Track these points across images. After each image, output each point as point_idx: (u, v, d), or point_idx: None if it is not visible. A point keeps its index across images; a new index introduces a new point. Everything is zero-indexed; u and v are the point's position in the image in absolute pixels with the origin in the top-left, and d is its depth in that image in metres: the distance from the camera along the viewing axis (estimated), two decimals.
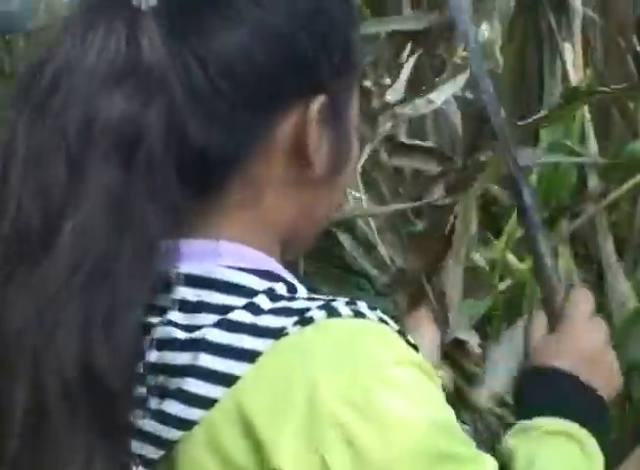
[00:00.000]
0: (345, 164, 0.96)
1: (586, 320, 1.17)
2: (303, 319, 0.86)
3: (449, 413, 0.89)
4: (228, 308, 0.87)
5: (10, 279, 0.85)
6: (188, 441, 0.88)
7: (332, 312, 0.86)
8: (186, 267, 0.89)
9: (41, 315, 0.84)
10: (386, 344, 0.88)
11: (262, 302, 0.87)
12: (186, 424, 0.87)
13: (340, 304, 0.87)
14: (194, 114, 0.88)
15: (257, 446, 0.84)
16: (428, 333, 1.38)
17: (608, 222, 2.16)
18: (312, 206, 0.97)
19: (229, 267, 0.89)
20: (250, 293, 0.88)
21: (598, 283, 2.17)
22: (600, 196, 2.13)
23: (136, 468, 0.90)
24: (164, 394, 0.88)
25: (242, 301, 0.87)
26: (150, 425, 0.88)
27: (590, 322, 1.17)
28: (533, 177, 2.20)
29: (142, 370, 0.88)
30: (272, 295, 0.88)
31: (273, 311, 0.87)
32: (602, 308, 2.14)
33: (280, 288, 0.89)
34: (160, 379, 0.88)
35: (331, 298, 0.90)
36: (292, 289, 0.90)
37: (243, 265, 0.89)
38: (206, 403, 0.86)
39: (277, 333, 0.86)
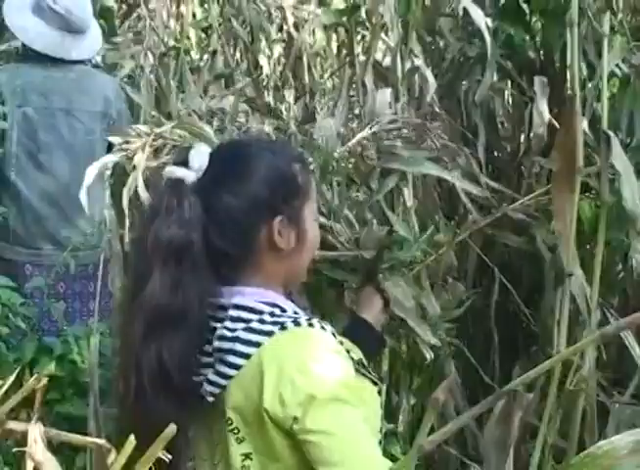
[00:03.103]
0: (305, 241, 1.87)
1: None
2: (283, 327, 1.76)
3: (351, 380, 1.75)
4: (250, 320, 1.77)
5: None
6: (230, 385, 1.76)
7: (297, 324, 1.77)
8: (235, 300, 1.80)
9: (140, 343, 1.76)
10: (321, 340, 1.78)
11: (266, 318, 1.77)
12: (227, 377, 1.76)
13: (302, 319, 1.77)
14: (217, 235, 1.79)
15: (259, 395, 1.72)
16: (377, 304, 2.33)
17: None
18: (294, 264, 1.89)
19: (255, 301, 1.79)
20: (261, 312, 1.78)
21: None
22: None
23: (207, 398, 1.79)
24: (221, 362, 1.76)
25: (257, 316, 1.77)
26: (213, 376, 1.77)
27: None
28: None
29: (211, 350, 1.78)
30: (272, 314, 1.78)
31: (271, 323, 1.76)
32: None
33: (276, 311, 1.79)
34: (219, 354, 1.76)
35: (299, 316, 1.80)
36: (283, 311, 1.79)
37: (262, 299, 1.80)
38: (236, 367, 1.75)
39: (270, 334, 1.75)
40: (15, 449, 1.63)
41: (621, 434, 1.44)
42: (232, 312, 1.78)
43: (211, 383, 1.77)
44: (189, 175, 1.83)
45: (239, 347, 1.75)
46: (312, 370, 1.71)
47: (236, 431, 1.78)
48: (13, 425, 1.59)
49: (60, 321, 3.03)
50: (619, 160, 2.07)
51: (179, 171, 1.83)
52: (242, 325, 1.76)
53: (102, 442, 1.60)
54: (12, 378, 1.67)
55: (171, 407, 1.73)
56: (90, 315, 2.97)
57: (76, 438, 1.67)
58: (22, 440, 1.58)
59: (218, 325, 1.78)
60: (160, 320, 1.75)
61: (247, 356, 1.74)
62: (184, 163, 1.84)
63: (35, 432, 1.56)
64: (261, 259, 1.84)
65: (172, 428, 1.48)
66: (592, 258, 2.23)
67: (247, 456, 1.77)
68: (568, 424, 2.13)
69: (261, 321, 1.76)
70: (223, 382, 1.76)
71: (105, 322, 2.79)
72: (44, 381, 1.68)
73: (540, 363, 1.56)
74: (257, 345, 1.74)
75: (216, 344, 1.77)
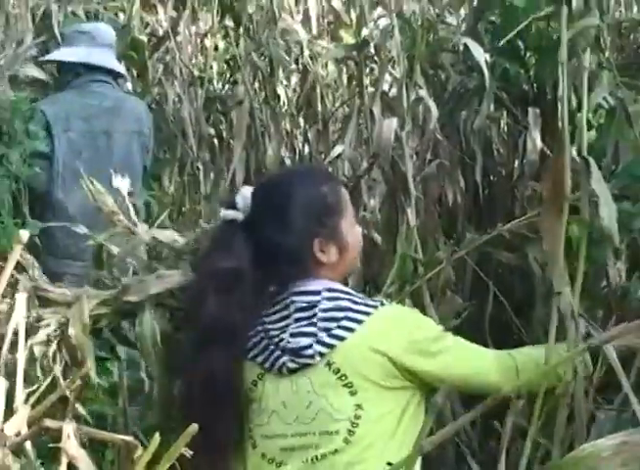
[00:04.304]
0: (347, 250, 2.05)
1: None
2: (382, 304, 2.02)
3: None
4: (351, 299, 1.99)
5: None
6: (342, 346, 1.94)
7: (390, 303, 2.09)
8: (327, 285, 2.02)
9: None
10: (408, 309, 2.22)
11: (365, 298, 2.03)
12: (341, 339, 1.94)
13: (387, 301, 2.08)
14: (267, 262, 2.00)
15: (385, 357, 1.94)
16: None
17: None
18: (342, 269, 2.09)
19: (338, 286, 2.06)
20: (353, 294, 2.02)
21: None
22: None
23: (315, 357, 1.98)
24: (329, 329, 1.95)
25: (355, 296, 2.01)
26: (327, 339, 1.94)
27: None
28: None
29: (315, 320, 1.96)
30: (364, 296, 2.05)
31: (372, 300, 2.04)
32: None
33: (361, 295, 2.06)
34: (326, 322, 1.95)
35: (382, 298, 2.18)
36: (362, 296, 2.07)
37: (341, 285, 2.07)
38: (351, 330, 1.94)
39: (375, 307, 1.99)
40: (50, 445, 1.64)
41: (604, 438, 1.45)
42: (327, 294, 2.00)
43: (323, 344, 1.95)
44: (238, 216, 2.06)
45: (352, 314, 1.97)
46: (425, 324, 2.09)
47: (350, 385, 1.93)
48: (49, 423, 1.61)
49: None
50: (598, 183, 2.08)
51: (230, 214, 2.07)
52: (346, 301, 2.00)
53: (129, 438, 1.63)
54: (48, 380, 1.69)
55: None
56: None
57: (106, 435, 1.68)
58: (57, 436, 1.60)
59: (317, 304, 1.99)
60: (214, 332, 1.99)
61: (359, 322, 1.96)
62: (232, 205, 2.08)
63: (69, 429, 1.58)
64: (313, 272, 2.04)
65: (194, 427, 1.49)
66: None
67: (359, 406, 1.92)
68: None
69: (362, 298, 2.03)
70: (336, 343, 1.95)
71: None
72: (77, 383, 1.70)
73: None
74: (367, 313, 1.98)
75: (323, 315, 1.98)
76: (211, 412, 1.94)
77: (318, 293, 2.00)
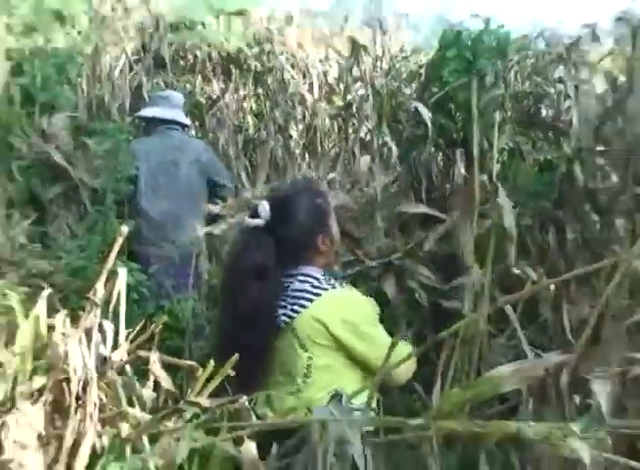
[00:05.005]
0: (334, 240, 2.01)
1: None
2: (334, 287, 1.93)
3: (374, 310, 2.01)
4: (312, 282, 1.93)
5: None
6: (298, 317, 1.91)
7: (341, 287, 1.96)
8: (302, 271, 1.95)
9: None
10: (355, 293, 1.97)
11: (322, 280, 1.94)
12: (297, 312, 1.91)
13: (342, 285, 1.96)
14: (285, 256, 1.93)
15: (322, 325, 1.90)
16: None
17: None
18: (329, 254, 2.01)
19: (314, 272, 1.96)
20: (317, 279, 1.94)
21: None
22: None
23: (282, 324, 1.95)
24: (292, 304, 1.94)
25: (316, 280, 1.93)
26: (289, 312, 1.91)
27: None
28: None
29: (285, 297, 1.92)
30: (325, 279, 1.95)
31: (326, 283, 1.93)
32: None
33: (324, 280, 1.95)
34: (292, 299, 1.92)
35: (336, 283, 1.96)
36: (328, 281, 1.95)
37: (317, 272, 1.96)
38: (305, 307, 1.90)
39: (326, 289, 1.92)
40: (142, 367, 1.66)
41: (504, 365, 1.48)
42: (300, 277, 1.95)
43: (287, 315, 1.92)
44: (260, 222, 1.95)
45: (307, 295, 1.91)
46: (358, 309, 1.95)
47: (302, 344, 1.91)
48: (141, 353, 1.63)
49: (170, 291, 3.05)
50: (503, 199, 2.12)
51: (254, 222, 1.96)
52: (308, 284, 1.93)
53: (193, 363, 1.64)
54: (139, 326, 1.71)
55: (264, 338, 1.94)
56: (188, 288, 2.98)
57: (178, 361, 1.70)
58: (147, 361, 1.62)
59: (291, 284, 1.94)
60: (253, 310, 1.90)
61: (311, 301, 1.90)
62: (256, 214, 1.97)
63: (154, 357, 1.60)
64: (314, 258, 1.98)
65: (236, 356, 1.51)
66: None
67: (310, 358, 1.91)
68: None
69: (320, 281, 1.94)
70: (294, 315, 1.91)
71: (195, 292, 2.82)
72: (159, 327, 1.72)
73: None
74: (318, 295, 1.91)
75: (292, 293, 1.93)
76: (249, 353, 1.82)
77: (294, 276, 1.96)
